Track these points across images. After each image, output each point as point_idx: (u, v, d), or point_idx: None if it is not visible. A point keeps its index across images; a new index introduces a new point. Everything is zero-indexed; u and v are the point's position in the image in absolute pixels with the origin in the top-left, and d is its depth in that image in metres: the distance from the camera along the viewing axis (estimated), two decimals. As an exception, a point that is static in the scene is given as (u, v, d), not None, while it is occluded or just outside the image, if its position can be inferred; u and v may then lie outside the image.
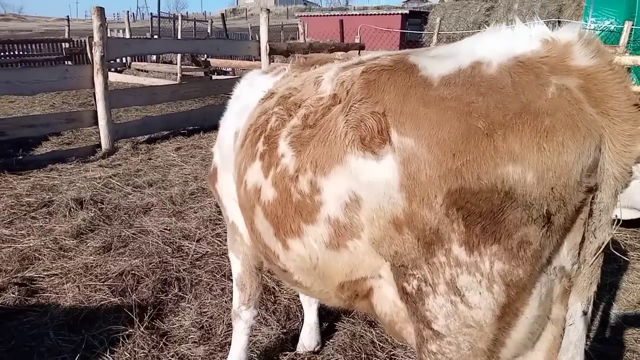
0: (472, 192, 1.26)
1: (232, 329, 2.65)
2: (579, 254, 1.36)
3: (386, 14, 30.36)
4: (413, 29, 25.43)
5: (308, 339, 2.85)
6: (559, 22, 17.60)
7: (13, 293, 3.29)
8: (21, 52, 18.03)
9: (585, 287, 1.39)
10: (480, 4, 21.94)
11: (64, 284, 3.45)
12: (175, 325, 3.04)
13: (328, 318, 3.15)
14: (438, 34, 17.05)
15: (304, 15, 33.56)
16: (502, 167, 1.23)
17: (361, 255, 1.57)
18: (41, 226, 4.39)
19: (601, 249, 1.33)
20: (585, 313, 1.41)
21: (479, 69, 1.32)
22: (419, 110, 1.34)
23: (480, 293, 1.32)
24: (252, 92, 2.30)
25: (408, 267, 1.43)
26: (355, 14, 30.97)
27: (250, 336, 2.64)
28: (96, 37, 6.89)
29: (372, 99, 1.45)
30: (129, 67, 17.46)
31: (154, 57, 19.10)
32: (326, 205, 1.56)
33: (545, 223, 1.26)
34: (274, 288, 3.47)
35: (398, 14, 30.41)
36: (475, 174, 1.25)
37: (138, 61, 17.81)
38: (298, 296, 3.32)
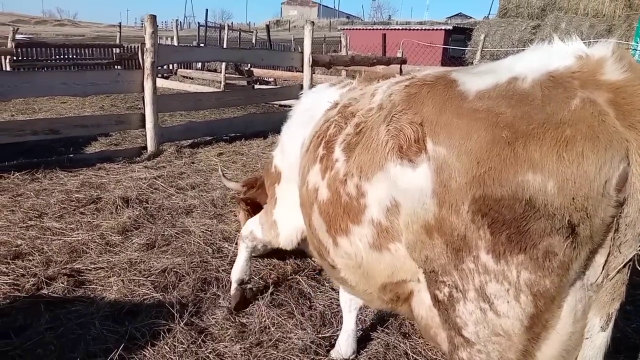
0: (494, 199, 1.31)
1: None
2: (602, 268, 1.36)
3: (429, 29, 30.26)
4: (456, 45, 25.25)
5: (345, 345, 2.88)
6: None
7: (62, 283, 3.45)
8: (74, 56, 18.85)
9: (607, 303, 1.38)
10: (527, 22, 21.62)
11: (109, 277, 3.60)
12: (212, 323, 3.13)
13: (362, 326, 3.18)
14: (482, 50, 16.88)
15: (347, 29, 33.79)
16: (522, 175, 1.27)
17: (402, 258, 1.65)
18: (89, 221, 4.58)
19: (625, 265, 1.32)
20: (603, 329, 1.40)
21: (514, 84, 1.38)
22: (453, 121, 1.42)
23: (508, 302, 1.36)
24: (319, 103, 2.46)
25: (438, 273, 1.49)
26: (398, 29, 30.95)
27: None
28: (148, 44, 7.16)
29: (411, 110, 1.56)
30: (175, 73, 18.00)
31: (199, 65, 19.62)
32: (370, 208, 1.67)
33: (570, 234, 1.27)
34: (310, 294, 3.52)
35: (441, 29, 30.25)
36: (497, 181, 1.30)
37: (184, 68, 18.35)
38: (333, 303, 3.37)
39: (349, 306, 2.91)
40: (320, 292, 3.52)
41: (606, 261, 1.35)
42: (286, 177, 2.78)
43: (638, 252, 1.31)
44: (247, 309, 3.30)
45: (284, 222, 2.88)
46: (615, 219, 1.29)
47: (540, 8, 21.64)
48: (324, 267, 2.27)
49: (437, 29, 30.35)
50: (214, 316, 3.21)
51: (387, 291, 1.81)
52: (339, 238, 1.85)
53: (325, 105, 2.32)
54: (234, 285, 3.36)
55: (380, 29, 28.46)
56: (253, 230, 3.22)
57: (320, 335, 3.06)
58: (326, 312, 3.31)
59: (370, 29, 32.35)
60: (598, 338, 1.41)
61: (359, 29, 33.66)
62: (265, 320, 3.14)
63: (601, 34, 18.62)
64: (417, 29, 30.44)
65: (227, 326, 3.09)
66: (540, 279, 1.31)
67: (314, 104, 2.60)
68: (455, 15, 74.04)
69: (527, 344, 1.39)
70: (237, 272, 3.36)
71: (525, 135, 1.28)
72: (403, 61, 11.77)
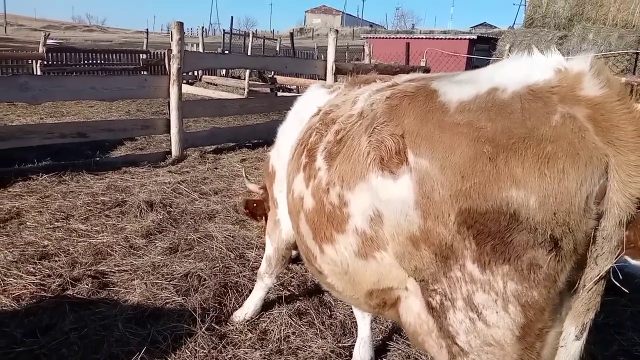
0: (480, 213, 1.33)
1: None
2: (579, 279, 1.38)
3: (453, 39, 30.11)
4: (480, 54, 25.04)
5: (362, 353, 2.86)
6: (638, 54, 16.83)
7: (87, 284, 3.51)
8: (102, 61, 19.25)
9: (582, 313, 1.41)
10: (553, 32, 21.32)
11: (132, 280, 3.65)
12: (233, 328, 3.14)
13: (381, 336, 3.16)
14: (507, 60, 16.70)
15: (370, 37, 33.83)
16: (506, 191, 1.29)
17: (388, 266, 1.66)
18: (114, 224, 4.66)
19: (600, 277, 1.34)
20: (577, 338, 1.43)
21: (493, 95, 1.40)
22: (435, 133, 1.43)
23: (497, 312, 1.38)
24: (309, 107, 2.50)
25: (429, 282, 1.51)
26: (422, 38, 30.88)
27: (267, 294, 3.35)
28: (174, 50, 7.27)
29: (393, 122, 1.58)
30: (200, 80, 18.23)
31: (224, 72, 19.84)
32: (353, 217, 1.69)
33: (553, 248, 1.29)
34: (330, 302, 3.51)
35: (465, 39, 30.06)
36: (482, 196, 1.32)
37: (208, 75, 18.58)
38: (354, 313, 3.34)
39: (362, 312, 2.90)
40: (341, 301, 3.51)
41: (583, 272, 1.38)
42: (280, 177, 2.82)
43: (613, 265, 1.32)
44: (268, 316, 3.30)
45: (285, 218, 2.85)
46: (592, 232, 1.32)
47: (567, 18, 21.32)
48: (312, 273, 2.30)
49: (461, 39, 30.17)
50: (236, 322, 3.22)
51: (374, 297, 1.82)
52: (324, 246, 1.87)
53: (313, 107, 2.34)
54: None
55: (404, 38, 28.42)
56: (268, 255, 3.17)
57: (340, 345, 3.05)
58: (346, 322, 3.29)
59: (393, 38, 32.31)
60: (573, 346, 1.43)
61: (382, 38, 33.66)
62: (285, 328, 3.14)
63: (630, 44, 18.26)
64: (441, 38, 30.32)
65: (248, 332, 3.10)
66: (528, 290, 1.33)
67: (303, 106, 2.68)
68: (480, 24, 73.60)
69: (522, 354, 1.41)
70: (250, 309, 3.28)
71: (506, 150, 1.30)
72: (427, 70, 11.72)
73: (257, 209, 3.52)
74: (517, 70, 1.44)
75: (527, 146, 1.28)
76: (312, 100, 2.56)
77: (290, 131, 2.65)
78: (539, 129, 1.29)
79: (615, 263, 1.33)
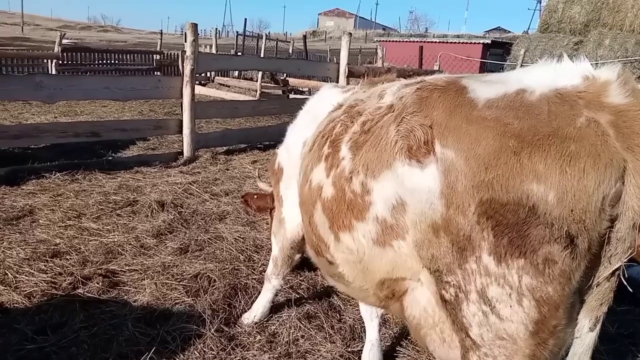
0: (500, 204, 1.38)
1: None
2: (594, 275, 1.45)
3: (467, 43, 29.97)
4: (494, 59, 24.91)
5: (370, 357, 2.84)
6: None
7: (97, 283, 3.52)
8: (116, 61, 19.41)
9: (596, 307, 1.48)
10: (569, 38, 21.13)
11: (143, 279, 3.65)
12: (242, 330, 3.13)
13: (390, 341, 3.13)
14: (522, 65, 16.60)
15: (383, 40, 33.81)
16: (527, 184, 1.34)
17: (404, 255, 1.69)
18: (125, 223, 4.68)
19: (614, 275, 1.42)
20: (591, 329, 1.50)
21: (522, 96, 1.45)
22: (462, 126, 1.48)
23: (510, 306, 1.41)
24: (320, 104, 2.56)
25: (443, 272, 1.53)
26: (435, 41, 30.78)
27: (275, 296, 3.34)
28: (188, 51, 7.30)
29: (422, 113, 1.61)
30: (213, 81, 18.31)
31: (236, 73, 19.92)
32: (375, 205, 1.71)
33: (569, 244, 1.34)
34: (340, 306, 3.49)
35: (479, 43, 29.92)
36: (504, 187, 1.37)
37: (221, 76, 18.66)
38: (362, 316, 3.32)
39: (370, 314, 2.88)
40: (351, 305, 3.49)
41: (597, 270, 1.44)
42: (288, 174, 2.87)
43: (624, 264, 1.39)
44: (277, 319, 3.29)
45: (290, 216, 2.94)
46: (607, 233, 1.37)
47: (583, 24, 21.12)
48: (319, 265, 2.30)
49: (475, 43, 30.04)
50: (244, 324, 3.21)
51: (384, 287, 1.85)
52: (341, 234, 1.88)
53: (327, 106, 2.38)
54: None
55: (417, 42, 28.36)
56: (274, 255, 3.20)
57: (349, 349, 3.02)
58: (356, 326, 3.27)
59: (406, 41, 32.23)
60: (587, 337, 1.51)
61: (395, 41, 33.60)
62: (294, 332, 3.12)
63: (647, 51, 18.05)
64: (455, 42, 30.21)
65: (257, 335, 3.09)
66: (543, 286, 1.37)
67: (316, 105, 2.72)
68: (494, 29, 73.20)
69: (534, 350, 1.43)
70: (258, 312, 3.27)
71: (531, 145, 1.35)
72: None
73: (256, 200, 3.50)
74: (546, 75, 1.50)
75: (551, 143, 1.34)
76: (325, 99, 2.59)
77: (301, 129, 2.69)
78: (563, 129, 1.34)
79: (627, 263, 1.39)
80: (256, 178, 3.72)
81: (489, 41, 30.56)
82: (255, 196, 3.52)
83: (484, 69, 24.75)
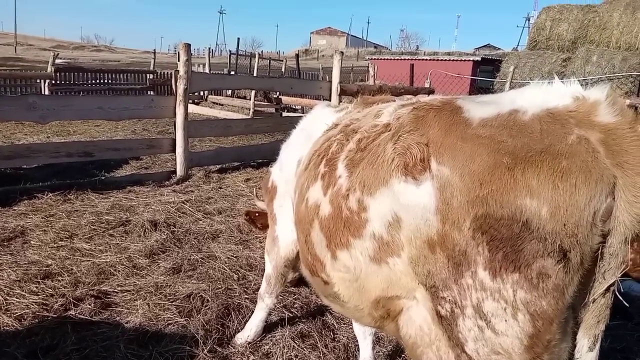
0: (495, 219, 1.41)
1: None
2: (589, 292, 1.47)
3: (457, 60, 30.32)
4: (484, 76, 25.19)
5: (365, 376, 2.83)
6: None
7: (89, 304, 3.49)
8: (110, 81, 19.46)
9: (593, 325, 1.49)
10: (557, 55, 21.45)
11: (135, 300, 3.63)
12: (235, 351, 3.11)
13: (384, 357, 3.12)
14: (511, 82, 16.81)
15: (374, 58, 34.14)
16: (521, 199, 1.38)
17: (399, 273, 1.71)
18: (117, 244, 4.65)
19: (609, 291, 1.43)
20: (591, 349, 1.50)
21: (515, 115, 1.51)
22: (457, 144, 1.52)
23: (506, 320, 1.43)
24: (314, 123, 2.60)
25: (439, 288, 1.55)
26: (426, 59, 31.11)
27: (268, 315, 3.33)
28: (181, 71, 7.35)
29: (419, 131, 1.65)
30: (206, 99, 18.39)
31: (229, 92, 20.02)
32: (371, 222, 1.74)
33: (562, 258, 1.36)
34: (333, 325, 3.47)
35: (469, 60, 30.29)
36: (499, 203, 1.40)
37: (214, 95, 18.74)
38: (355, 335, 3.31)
39: (363, 332, 2.88)
40: (345, 323, 3.48)
41: (592, 287, 1.45)
42: (282, 192, 2.87)
43: (618, 279, 1.42)
44: (271, 338, 3.27)
45: (283, 234, 2.93)
46: (600, 248, 1.41)
47: (571, 41, 21.47)
48: (314, 285, 2.31)
49: (465, 60, 30.40)
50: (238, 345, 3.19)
51: (379, 307, 1.85)
52: (338, 251, 1.90)
53: (321, 125, 2.43)
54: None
55: (408, 59, 28.66)
56: (267, 274, 3.16)
57: (343, 369, 3.01)
58: (350, 345, 3.25)
59: (397, 59, 32.57)
60: (587, 358, 1.51)
61: (387, 59, 33.94)
62: (288, 351, 3.11)
63: (634, 67, 18.35)
64: (445, 60, 30.54)
65: (250, 355, 3.07)
66: (537, 300, 1.39)
67: (310, 123, 2.76)
68: (484, 46, 74.22)
69: None
70: (251, 331, 3.25)
71: (524, 161, 1.39)
72: (431, 91, 11.80)
73: (259, 218, 3.51)
74: (538, 95, 1.56)
75: (543, 159, 1.38)
76: (319, 118, 2.63)
77: (295, 147, 2.71)
78: (555, 146, 1.39)
79: (620, 278, 1.42)
80: (254, 198, 3.71)
81: (479, 58, 30.98)
82: (257, 214, 3.53)
83: (474, 85, 25.01)
